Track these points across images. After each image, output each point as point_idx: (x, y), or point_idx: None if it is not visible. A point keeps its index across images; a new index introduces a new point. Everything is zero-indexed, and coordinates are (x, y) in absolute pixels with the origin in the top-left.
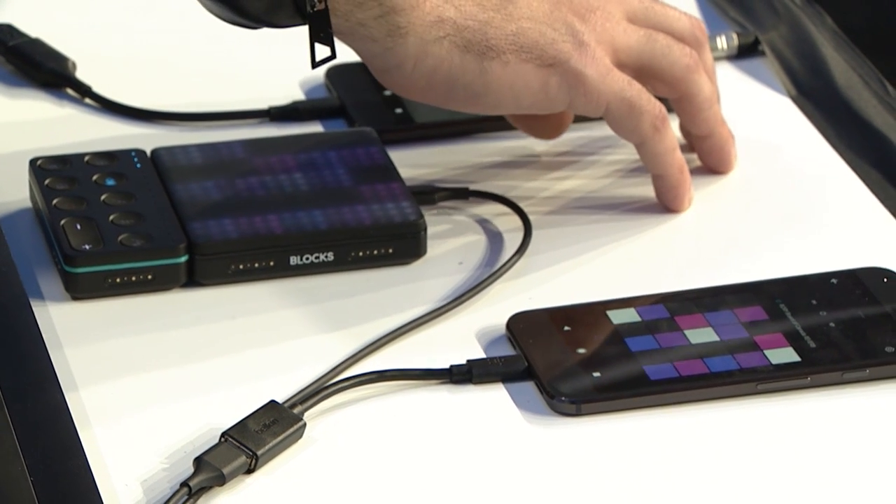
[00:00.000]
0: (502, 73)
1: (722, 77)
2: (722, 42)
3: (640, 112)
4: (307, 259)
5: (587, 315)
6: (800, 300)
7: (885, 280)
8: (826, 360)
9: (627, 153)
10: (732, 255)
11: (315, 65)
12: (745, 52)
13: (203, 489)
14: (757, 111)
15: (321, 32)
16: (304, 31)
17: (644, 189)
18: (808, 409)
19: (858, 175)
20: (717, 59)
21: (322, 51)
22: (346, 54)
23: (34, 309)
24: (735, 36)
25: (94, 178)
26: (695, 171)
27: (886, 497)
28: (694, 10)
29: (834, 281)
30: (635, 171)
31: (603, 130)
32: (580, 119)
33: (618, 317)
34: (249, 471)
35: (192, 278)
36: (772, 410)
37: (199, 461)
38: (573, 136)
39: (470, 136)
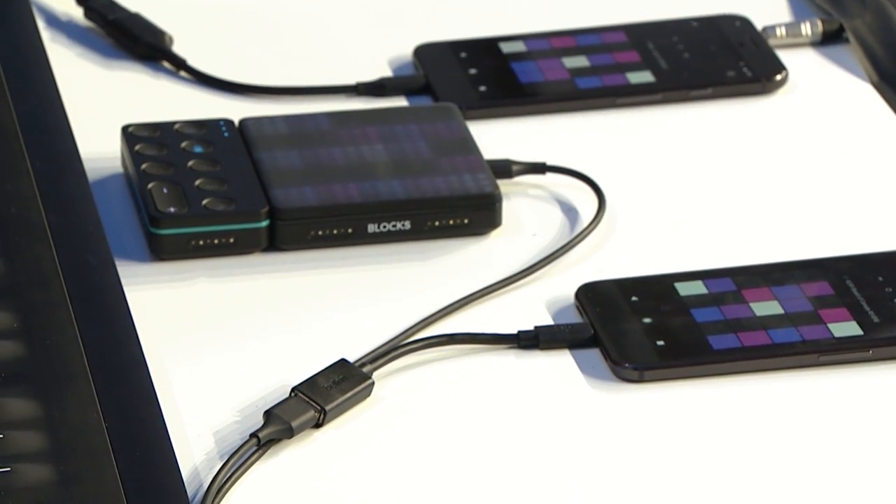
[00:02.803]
0: None
1: (805, 63)
2: (806, 28)
3: None
4: (384, 227)
5: (655, 286)
6: (867, 277)
7: None
8: (888, 335)
9: (704, 133)
10: (804, 232)
11: None
12: (829, 39)
13: (272, 441)
14: (838, 97)
15: None
16: (393, 7)
17: (716, 168)
18: (869, 382)
19: None
20: (800, 45)
21: None
22: (434, 33)
23: (119, 269)
24: (819, 23)
25: (183, 144)
26: (771, 149)
27: None
28: None
29: None
30: (709, 152)
31: (681, 112)
32: (654, 102)
33: (685, 289)
34: (318, 425)
35: (273, 243)
36: (833, 382)
37: (268, 414)
38: (652, 115)
39: (551, 114)
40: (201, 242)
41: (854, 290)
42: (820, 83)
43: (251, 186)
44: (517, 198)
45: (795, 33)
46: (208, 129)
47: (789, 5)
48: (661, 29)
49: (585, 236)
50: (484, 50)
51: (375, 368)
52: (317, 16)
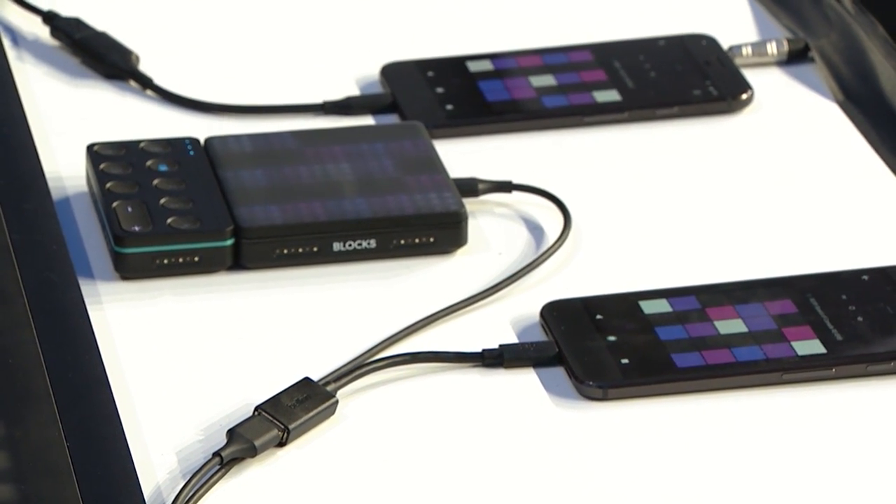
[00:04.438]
0: None
1: (771, 82)
2: (772, 48)
3: None
4: (350, 245)
5: (619, 304)
6: (830, 295)
7: None
8: (852, 353)
9: (670, 152)
10: (767, 250)
11: None
12: (794, 58)
13: (235, 460)
14: (804, 116)
15: None
16: (360, 26)
17: (682, 186)
18: (832, 400)
19: None
20: (766, 64)
21: None
22: (401, 51)
23: (83, 288)
24: (785, 42)
25: (148, 163)
26: (736, 167)
27: None
28: (746, 16)
29: (865, 277)
30: (675, 171)
31: (647, 130)
32: (621, 120)
33: (650, 307)
34: (281, 444)
35: (238, 262)
36: (796, 400)
37: (231, 433)
38: (618, 134)
39: (518, 132)
40: (166, 261)
41: (818, 309)
42: (786, 102)
43: (216, 205)
44: (483, 216)
45: (761, 52)
46: (174, 148)
47: (755, 25)
48: (627, 48)
49: (551, 255)
50: (451, 69)
51: (340, 387)
52: (283, 34)
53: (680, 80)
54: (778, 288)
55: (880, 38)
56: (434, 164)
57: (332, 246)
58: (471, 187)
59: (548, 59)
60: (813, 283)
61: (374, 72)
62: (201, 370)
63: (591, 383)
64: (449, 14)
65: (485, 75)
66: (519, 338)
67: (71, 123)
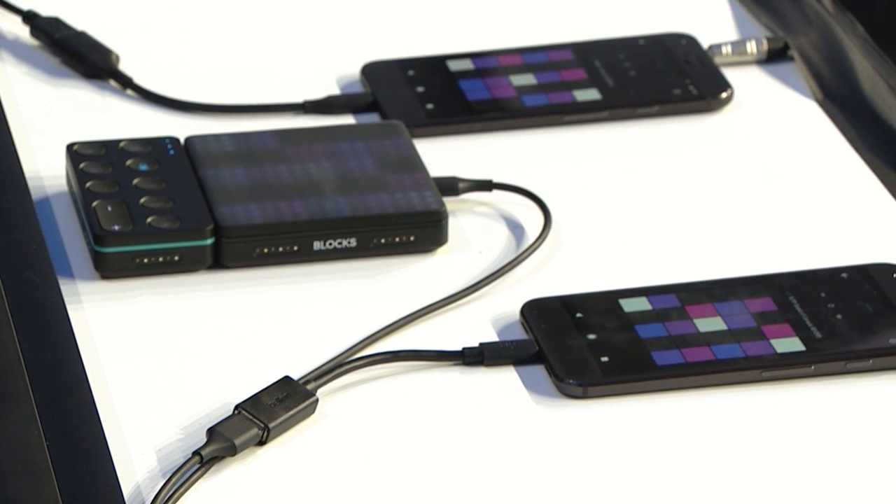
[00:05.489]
0: None
1: (750, 81)
2: (751, 46)
3: None
4: (330, 244)
5: (599, 303)
6: (809, 293)
7: (895, 275)
8: (830, 350)
9: (650, 151)
10: (747, 249)
11: None
12: (774, 57)
13: (215, 458)
14: (783, 114)
15: None
16: (341, 26)
17: (662, 185)
18: (811, 398)
19: (877, 176)
20: (746, 63)
21: None
22: (382, 51)
23: (63, 287)
24: (765, 41)
25: (128, 163)
26: (716, 166)
27: (884, 484)
28: (726, 15)
29: (844, 275)
30: (655, 169)
31: (627, 129)
32: (601, 119)
33: (629, 305)
34: (261, 443)
35: (218, 261)
36: (776, 398)
37: (211, 431)
38: (598, 133)
39: (498, 131)
40: (146, 260)
41: (797, 307)
42: (765, 101)
43: (196, 204)
44: (463, 215)
45: (741, 51)
46: (154, 147)
47: (735, 24)
48: (607, 47)
49: (531, 253)
50: (431, 68)
51: (319, 386)
52: (264, 33)
53: (660, 78)
54: (757, 286)
55: (859, 38)
56: (414, 163)
57: (312, 245)
58: (451, 186)
59: (528, 58)
60: (792, 282)
61: (354, 71)
62: (181, 369)
63: (571, 381)
64: (429, 13)
65: (465, 74)
66: (499, 336)
67: (51, 123)
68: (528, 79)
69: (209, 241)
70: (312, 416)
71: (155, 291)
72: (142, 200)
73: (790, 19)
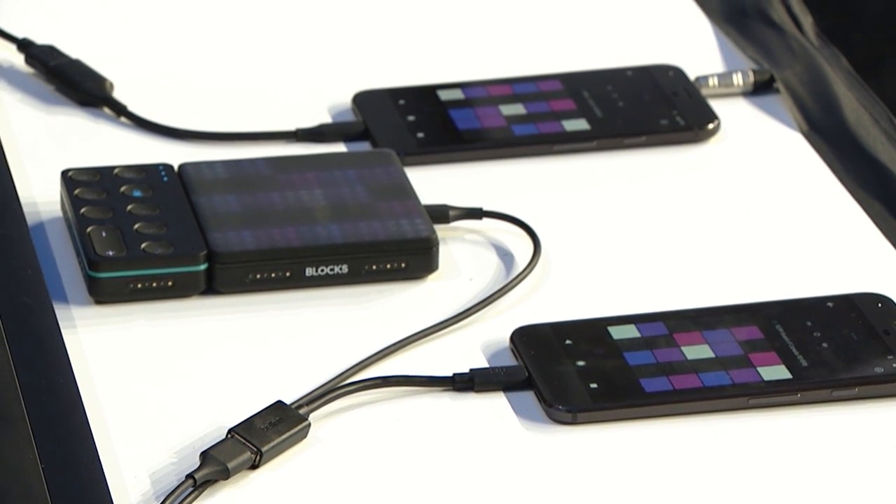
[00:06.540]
0: None
1: (737, 112)
2: (738, 78)
3: None
4: (322, 271)
5: (588, 330)
6: (796, 322)
7: (880, 305)
8: (816, 378)
9: (638, 181)
10: (734, 278)
11: None
12: (759, 89)
13: (208, 482)
14: (769, 146)
15: None
16: (333, 55)
17: (650, 214)
18: (797, 425)
19: (861, 206)
20: (732, 94)
21: None
22: (373, 80)
23: (58, 311)
24: (751, 73)
25: (122, 189)
26: (703, 196)
27: None
28: (713, 48)
29: (830, 304)
30: (643, 199)
31: (615, 159)
32: (589, 149)
33: (618, 332)
34: (254, 466)
35: (211, 286)
36: (762, 425)
37: (205, 455)
38: (587, 162)
39: (488, 160)
40: (140, 286)
41: (783, 335)
42: (751, 132)
43: (190, 230)
44: (454, 242)
45: (727, 83)
46: (147, 174)
47: (721, 56)
48: (596, 78)
49: (520, 280)
50: (422, 97)
51: (312, 410)
52: (257, 63)
53: (647, 109)
54: (744, 314)
55: (844, 70)
56: (405, 191)
57: (304, 271)
58: (442, 214)
59: (517, 88)
60: (779, 310)
61: (346, 100)
62: (175, 393)
63: (560, 407)
64: (420, 43)
65: (455, 104)
66: (489, 362)
67: (46, 150)
68: (517, 108)
69: (202, 267)
70: (305, 441)
71: (149, 316)
72: (136, 226)
73: (776, 52)
